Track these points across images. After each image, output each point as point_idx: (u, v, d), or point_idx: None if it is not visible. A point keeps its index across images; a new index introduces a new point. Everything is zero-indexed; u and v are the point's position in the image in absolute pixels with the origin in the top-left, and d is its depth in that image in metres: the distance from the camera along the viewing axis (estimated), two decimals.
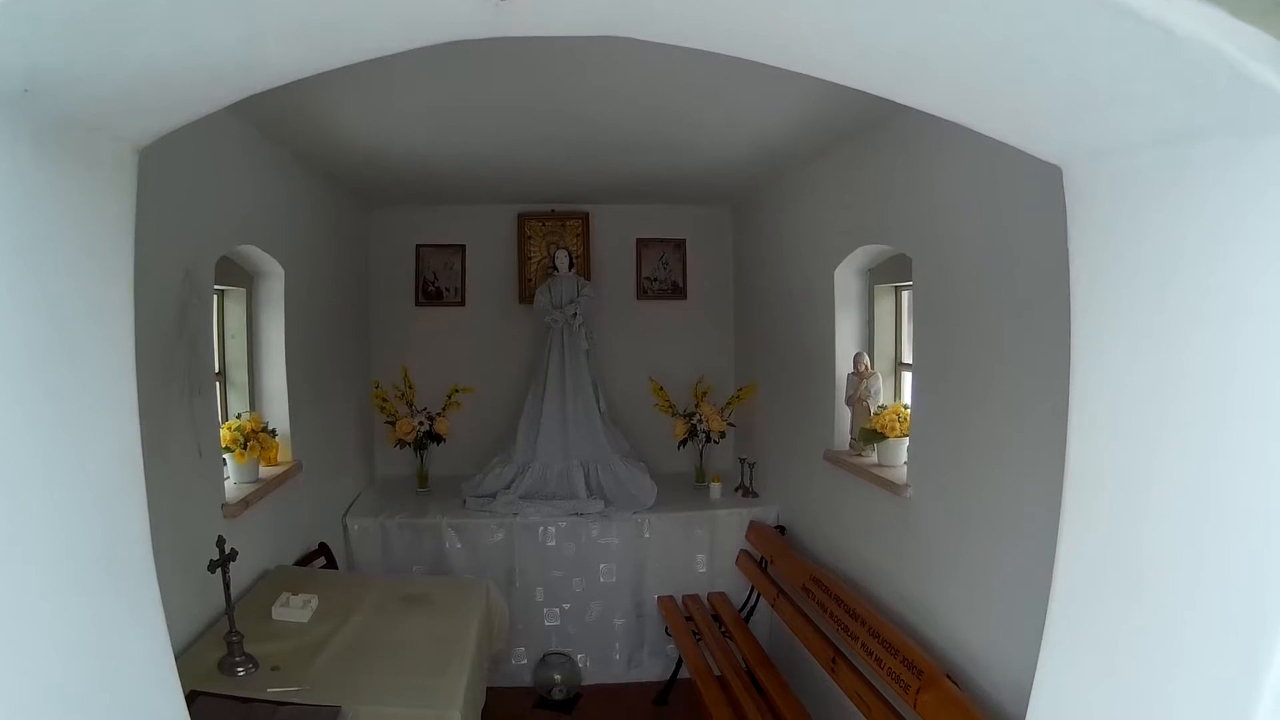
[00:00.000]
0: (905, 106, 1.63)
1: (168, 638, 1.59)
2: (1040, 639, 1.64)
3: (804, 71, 1.53)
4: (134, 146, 1.53)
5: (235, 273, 4.68)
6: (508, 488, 6.40)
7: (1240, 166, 1.20)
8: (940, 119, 1.64)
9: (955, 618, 3.70)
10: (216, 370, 4.44)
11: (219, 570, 3.35)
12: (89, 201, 1.42)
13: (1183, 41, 1.07)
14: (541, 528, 6.09)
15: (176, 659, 3.23)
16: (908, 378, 4.91)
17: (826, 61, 1.50)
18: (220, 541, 3.35)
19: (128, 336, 1.51)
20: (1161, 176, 1.33)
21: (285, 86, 1.52)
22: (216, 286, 4.25)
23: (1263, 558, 1.16)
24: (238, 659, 3.35)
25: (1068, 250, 1.59)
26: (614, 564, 6.19)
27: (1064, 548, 1.55)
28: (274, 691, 3.18)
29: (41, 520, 1.29)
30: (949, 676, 3.44)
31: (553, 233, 7.25)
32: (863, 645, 4.02)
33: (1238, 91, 1.12)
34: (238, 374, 4.89)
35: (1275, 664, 1.14)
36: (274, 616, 3.86)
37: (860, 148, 4.61)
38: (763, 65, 1.51)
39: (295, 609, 3.90)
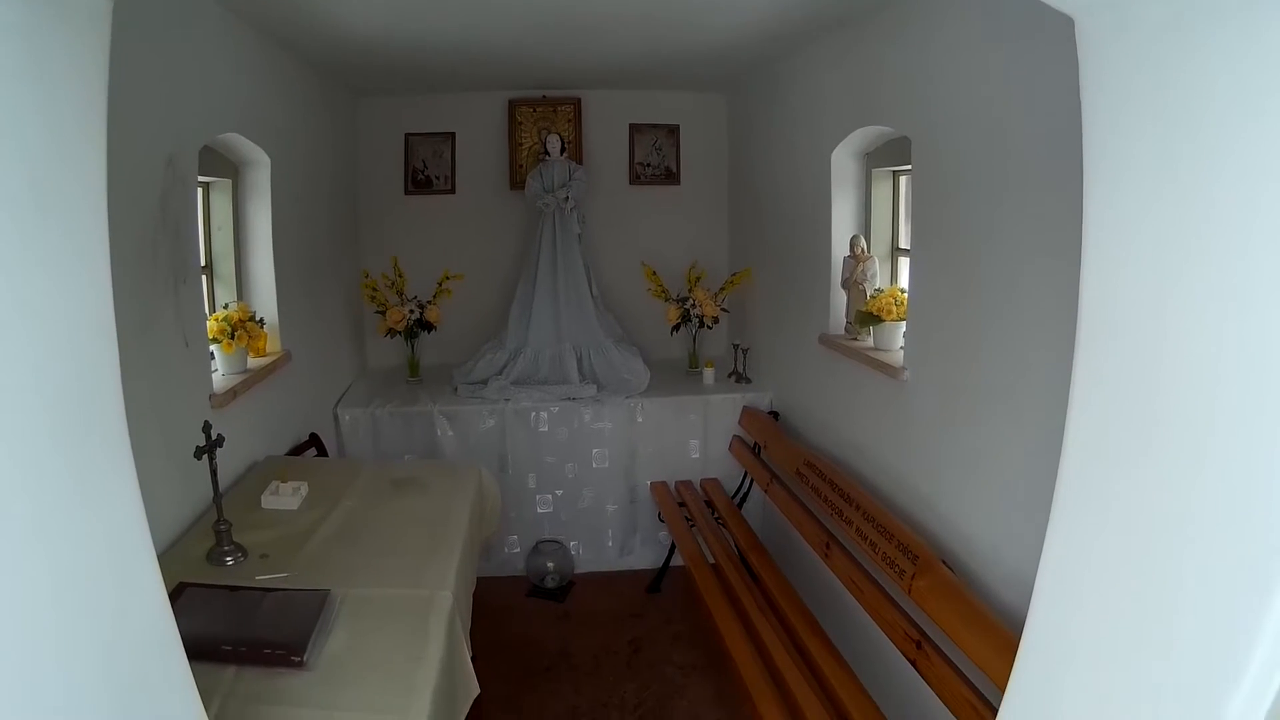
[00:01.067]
0: None
1: (143, 515, 1.52)
2: (1038, 524, 1.59)
3: None
4: None
5: (220, 164, 4.57)
6: (499, 374, 6.35)
7: (1273, 10, 1.11)
8: None
9: (952, 503, 3.67)
10: (203, 264, 4.37)
11: (206, 458, 3.29)
12: (60, 49, 1.32)
13: None
14: (533, 413, 6.06)
15: (165, 552, 3.24)
16: (904, 264, 4.83)
17: None
18: (206, 427, 3.29)
19: (99, 182, 1.42)
20: (1185, 24, 1.23)
21: None
22: (201, 178, 4.15)
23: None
24: (226, 548, 3.31)
25: (1080, 104, 1.49)
26: (606, 449, 6.18)
27: (1075, 406, 1.48)
28: (262, 578, 3.15)
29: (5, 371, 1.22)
30: (945, 562, 3.43)
31: (544, 119, 7.08)
32: (857, 530, 4.01)
33: None
34: (224, 266, 4.80)
35: None
36: (263, 505, 3.82)
37: (859, 29, 4.47)
38: None
39: (285, 497, 3.85)
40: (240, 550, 3.34)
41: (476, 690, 3.11)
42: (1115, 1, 1.37)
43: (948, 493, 3.71)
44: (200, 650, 2.32)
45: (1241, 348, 1.15)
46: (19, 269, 1.24)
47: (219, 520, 3.30)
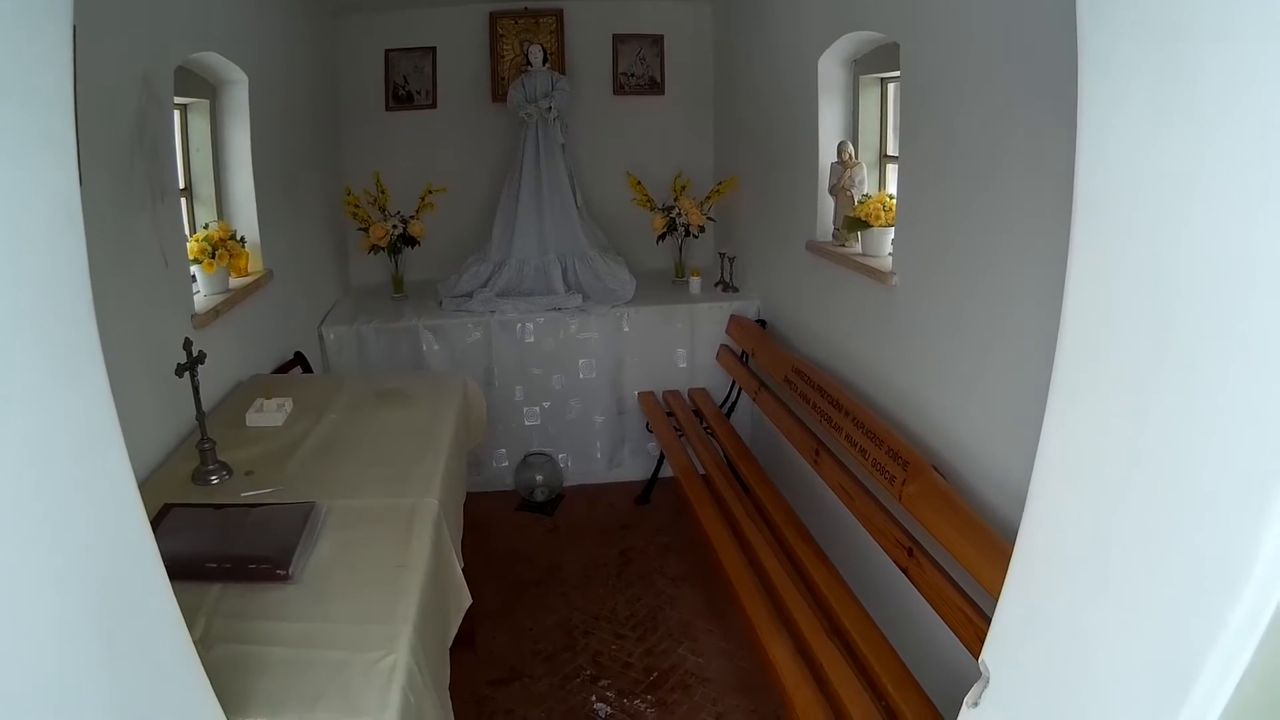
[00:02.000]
0: None
1: (119, 434, 1.48)
2: (1030, 429, 1.55)
3: None
4: None
5: (197, 85, 4.48)
6: (484, 286, 6.29)
7: None
8: None
9: (942, 409, 3.65)
10: (182, 186, 4.30)
11: (188, 376, 3.24)
12: None
13: None
14: (519, 324, 6.02)
15: (150, 476, 3.21)
16: (891, 172, 4.78)
17: None
18: (187, 344, 3.24)
19: (64, 66, 1.35)
20: None
21: None
22: (178, 100, 4.08)
23: None
24: (210, 467, 3.27)
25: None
26: (593, 359, 6.16)
27: (1071, 292, 1.44)
28: (247, 495, 3.13)
29: None
30: (935, 468, 3.41)
31: (526, 31, 6.93)
32: (846, 436, 3.99)
33: None
34: (204, 189, 4.73)
35: None
36: (248, 423, 3.78)
37: None
38: None
39: (269, 413, 3.82)
40: (225, 468, 3.30)
41: (469, 600, 3.11)
42: None
43: (938, 398, 3.69)
44: (185, 570, 2.29)
45: (1252, 225, 1.11)
46: None
47: (203, 439, 3.26)
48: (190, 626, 1.63)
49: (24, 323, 1.23)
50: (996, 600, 1.56)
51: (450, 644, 2.94)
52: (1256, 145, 1.05)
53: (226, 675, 2.08)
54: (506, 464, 6.23)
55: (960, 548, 2.98)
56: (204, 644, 2.20)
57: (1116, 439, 1.30)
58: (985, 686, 1.53)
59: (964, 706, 1.56)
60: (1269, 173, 1.04)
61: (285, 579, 2.56)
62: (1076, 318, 1.40)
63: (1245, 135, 1.07)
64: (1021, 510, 1.50)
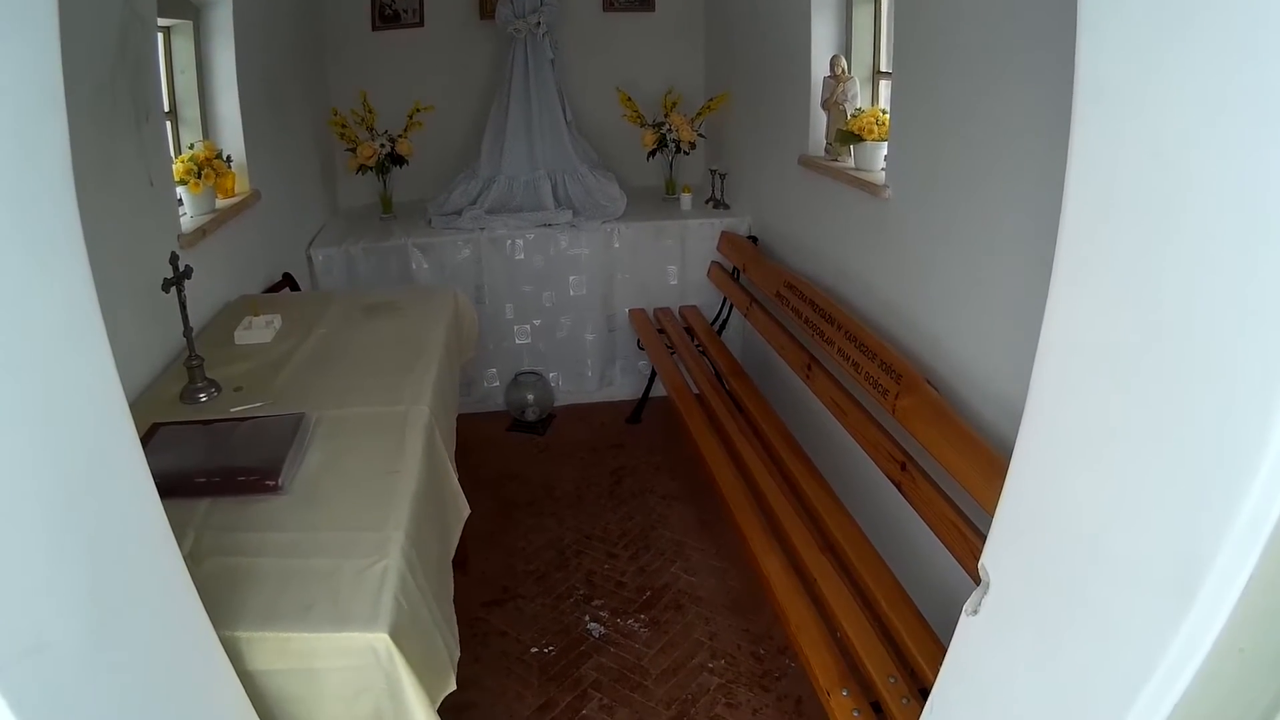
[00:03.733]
0: None
1: (106, 342, 1.44)
2: (1024, 343, 1.52)
3: None
4: None
5: (180, 5, 4.40)
6: (473, 203, 6.25)
7: None
8: None
9: (936, 322, 3.63)
10: (167, 109, 4.24)
11: (175, 291, 3.21)
12: None
13: None
14: (509, 241, 5.99)
15: (139, 397, 3.18)
16: (884, 87, 4.73)
17: None
18: (173, 258, 3.19)
19: None
20: None
21: None
22: (161, 21, 3.99)
23: None
24: (199, 385, 3.25)
25: None
26: (584, 276, 6.13)
27: (1071, 185, 1.41)
28: (236, 410, 3.11)
29: None
30: (929, 382, 3.39)
31: None
32: (839, 350, 3.97)
33: None
34: (189, 111, 4.66)
35: None
36: (236, 341, 3.75)
37: None
38: None
39: (258, 330, 3.79)
40: (214, 385, 3.28)
41: (467, 511, 3.12)
42: None
43: (931, 312, 3.67)
44: (174, 486, 2.28)
45: (1248, 141, 1.07)
46: None
47: (190, 356, 3.23)
48: (179, 542, 1.61)
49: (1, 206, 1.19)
50: (991, 515, 1.54)
51: (452, 556, 2.95)
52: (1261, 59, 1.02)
53: (216, 588, 2.07)
54: (497, 384, 6.24)
55: (954, 461, 2.97)
56: (193, 559, 2.19)
57: (1119, 330, 1.28)
58: (986, 593, 1.51)
59: (963, 614, 1.55)
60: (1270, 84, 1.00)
61: (275, 489, 2.55)
62: (1078, 199, 1.37)
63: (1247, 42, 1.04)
64: (1016, 424, 1.48)
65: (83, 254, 1.36)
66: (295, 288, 5.26)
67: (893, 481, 3.39)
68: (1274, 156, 1.00)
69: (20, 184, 1.23)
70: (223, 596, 2.06)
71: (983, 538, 1.56)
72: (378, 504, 2.50)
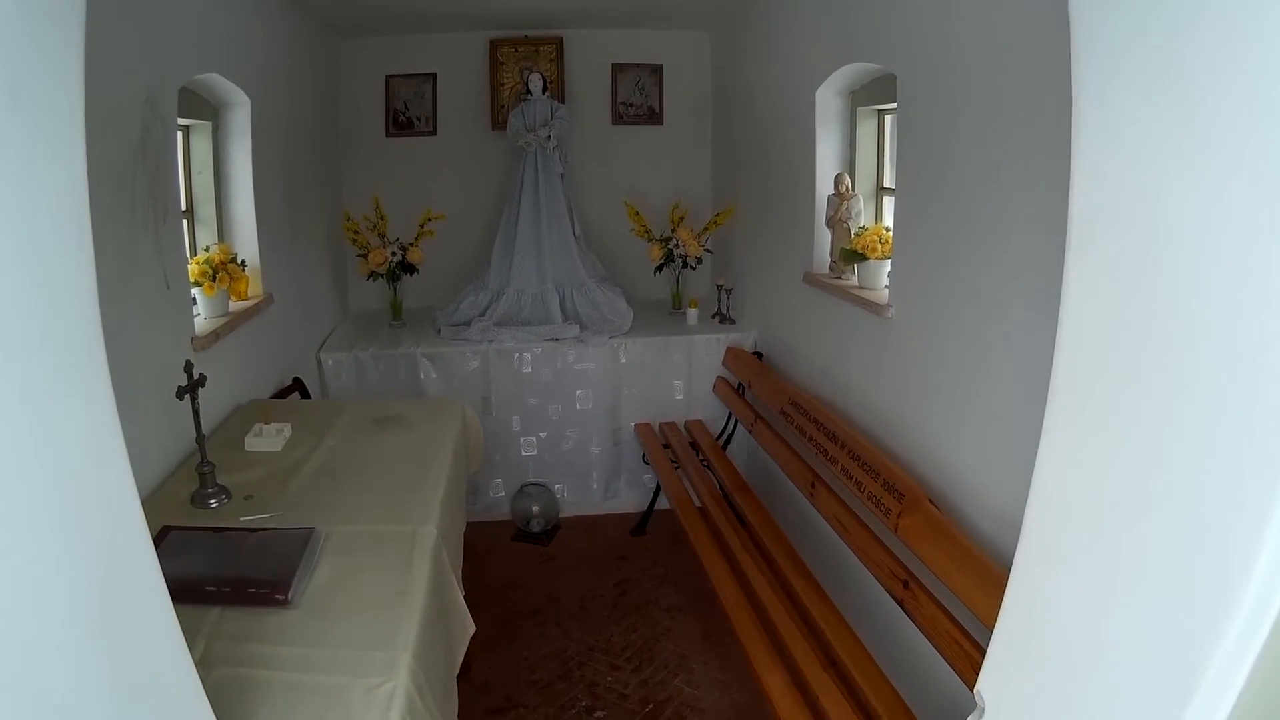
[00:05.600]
0: None
1: (124, 451, 1.49)
2: (1025, 460, 1.57)
3: None
4: None
5: (200, 106, 4.52)
6: (482, 314, 6.32)
7: None
8: None
9: (938, 441, 3.67)
10: (184, 208, 4.32)
11: (188, 398, 3.26)
12: None
13: None
14: (517, 354, 6.04)
15: (150, 496, 3.22)
16: (888, 203, 4.82)
17: None
18: (188, 367, 3.26)
19: (77, 81, 1.37)
20: None
21: None
22: (181, 121, 4.10)
23: None
24: (210, 490, 3.29)
25: (1070, 29, 1.47)
26: (590, 390, 6.17)
27: (1065, 320, 1.47)
28: (246, 519, 3.14)
29: None
30: (931, 501, 3.42)
31: (526, 58, 7.00)
32: (842, 469, 4.01)
33: None
34: (205, 210, 4.76)
35: None
36: (247, 447, 3.80)
37: None
38: None
39: (268, 438, 3.84)
40: (224, 492, 3.32)
41: (472, 628, 3.12)
42: None
43: (934, 430, 3.71)
44: (184, 592, 2.30)
45: (1237, 265, 1.13)
46: None
47: (202, 462, 3.28)
48: (190, 648, 1.64)
49: (31, 334, 1.25)
50: (992, 630, 1.57)
51: (456, 673, 2.96)
52: (1253, 194, 1.08)
53: (226, 698, 2.09)
54: (503, 493, 6.23)
55: (956, 579, 2.99)
56: (204, 666, 2.21)
57: (1111, 467, 1.32)
58: (980, 717, 1.54)
59: None
60: (1261, 220, 1.06)
61: (285, 603, 2.57)
62: (1072, 344, 1.42)
63: (1241, 174, 1.10)
64: (1016, 539, 1.52)
65: (105, 376, 1.42)
66: (305, 393, 5.31)
67: (895, 599, 3.40)
68: (1268, 286, 1.06)
69: (47, 309, 1.29)
70: (232, 706, 2.08)
71: (985, 653, 1.59)
72: (386, 623, 2.52)
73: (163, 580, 1.57)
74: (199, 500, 3.26)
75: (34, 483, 1.25)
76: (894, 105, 4.11)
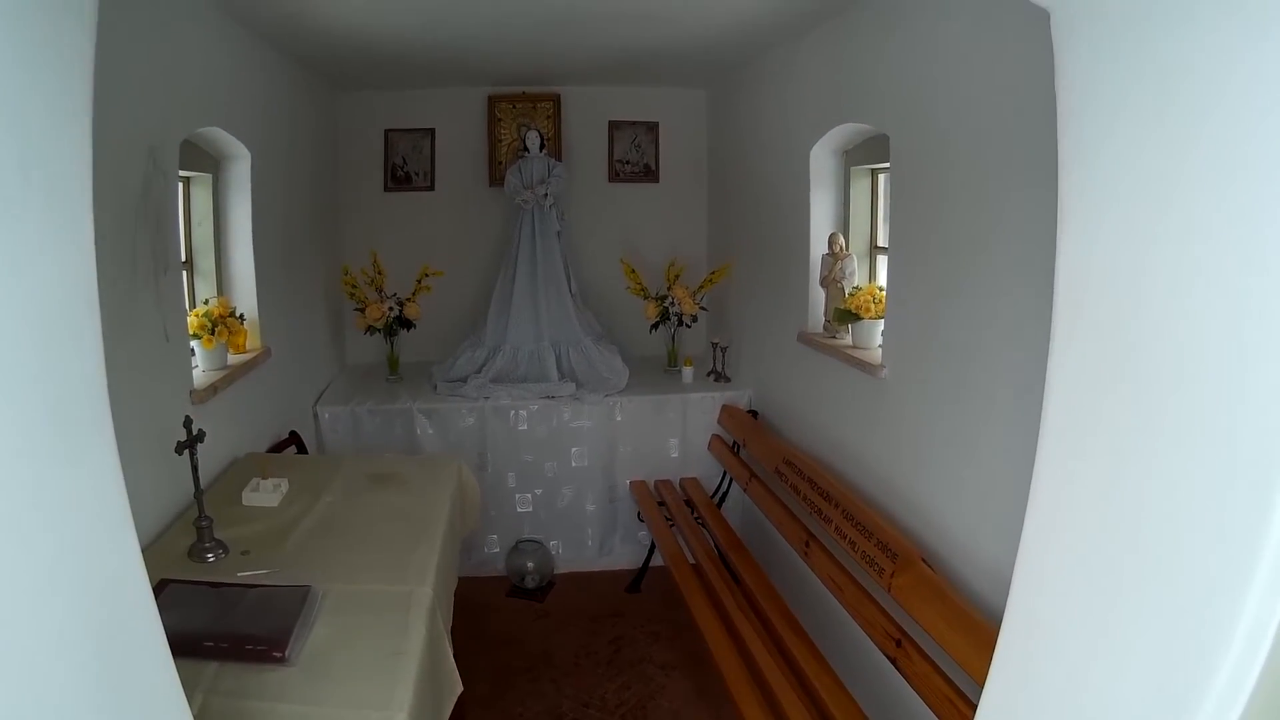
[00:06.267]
0: None
1: (126, 502, 1.53)
2: (1016, 519, 1.61)
3: None
4: None
5: (201, 158, 4.57)
6: (478, 371, 6.36)
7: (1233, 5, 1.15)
8: None
9: (931, 500, 3.70)
10: (184, 259, 4.35)
11: (187, 453, 3.29)
12: (49, 22, 1.33)
13: None
14: (513, 411, 6.07)
15: (147, 548, 3.23)
16: (882, 262, 4.86)
17: None
18: (187, 422, 3.29)
19: (85, 162, 1.42)
20: (1153, 14, 1.27)
21: None
22: (182, 173, 4.14)
23: (1264, 389, 1.12)
24: (207, 544, 3.31)
25: (1055, 101, 1.53)
26: (586, 448, 6.19)
27: (1052, 389, 1.51)
28: (244, 575, 3.15)
29: None
30: (924, 560, 3.44)
31: (523, 114, 7.10)
32: (836, 528, 4.03)
33: None
34: (205, 261, 4.80)
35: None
36: (244, 502, 3.82)
37: (840, 25, 4.50)
38: None
39: (265, 493, 3.86)
40: (222, 546, 3.34)
41: (460, 688, 3.12)
42: None
43: (927, 489, 3.74)
44: (182, 646, 2.31)
45: (1217, 324, 1.18)
46: (4, 234, 1.24)
47: (200, 516, 3.31)
48: (188, 702, 1.67)
49: (41, 402, 1.29)
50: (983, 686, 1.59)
51: None
52: (1234, 254, 1.13)
53: None
54: (498, 549, 6.23)
55: (949, 638, 3.01)
56: None
57: (1095, 531, 1.36)
58: None
59: None
60: (1243, 285, 1.11)
61: (283, 661, 2.58)
62: (1059, 406, 1.46)
63: (1225, 239, 1.15)
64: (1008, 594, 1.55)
65: (113, 445, 1.46)
66: (301, 446, 5.34)
67: (889, 657, 3.41)
68: (1244, 346, 1.10)
69: (56, 378, 1.33)
70: None
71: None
72: (383, 684, 2.53)
73: (164, 635, 1.60)
74: (196, 554, 3.28)
75: (42, 544, 1.29)
76: (888, 165, 4.18)
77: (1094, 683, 1.36)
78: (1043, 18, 1.53)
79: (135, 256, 3.42)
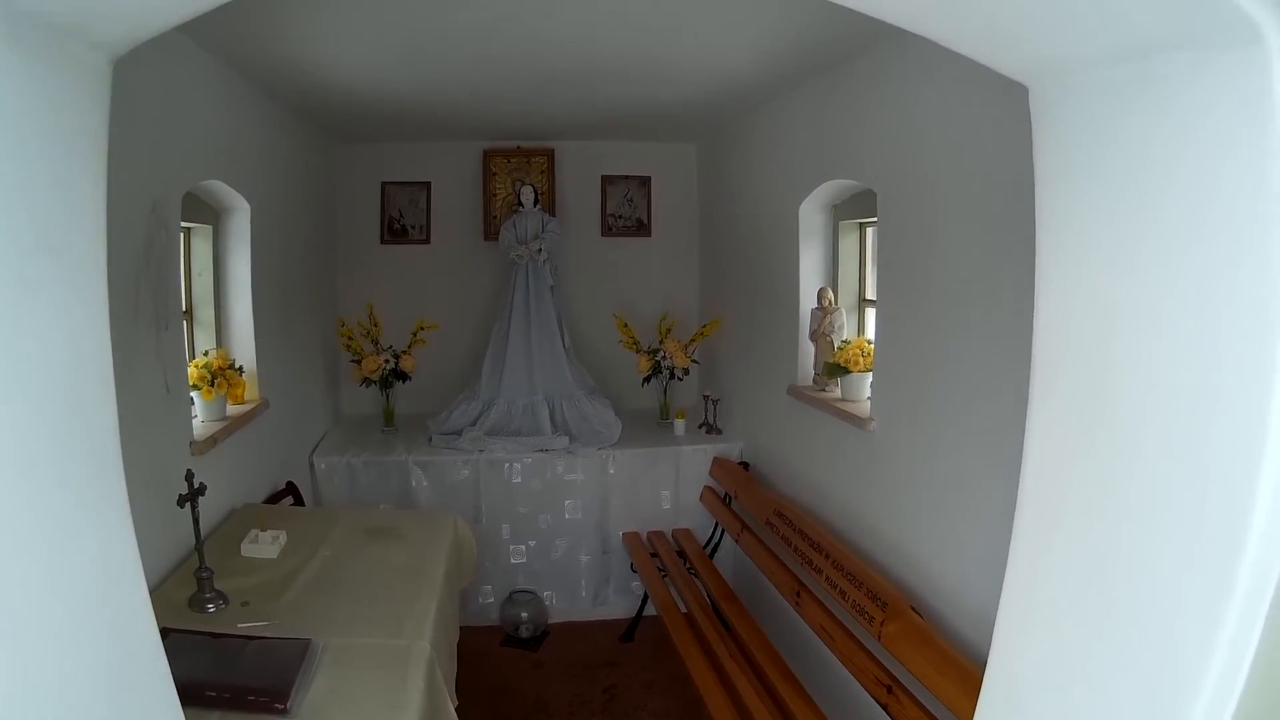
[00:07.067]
0: (871, 42, 1.65)
1: (137, 554, 1.60)
2: (1001, 566, 1.68)
3: None
4: (109, 56, 1.52)
5: (201, 209, 4.64)
6: (473, 424, 6.42)
7: (1203, 78, 1.24)
8: (909, 52, 1.67)
9: (919, 549, 3.76)
10: (184, 309, 4.40)
11: (188, 505, 3.34)
12: (67, 104, 1.41)
13: None
14: (507, 464, 6.12)
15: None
16: (870, 314, 4.95)
17: None
18: (189, 476, 3.34)
19: (98, 229, 1.50)
20: (1128, 90, 1.38)
21: (254, 17, 1.53)
22: (183, 224, 4.21)
23: (1227, 438, 1.21)
24: (208, 595, 3.36)
25: (1033, 168, 1.62)
26: (579, 500, 6.24)
27: (1031, 441, 1.58)
28: (244, 626, 3.20)
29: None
30: (913, 608, 3.50)
31: (518, 169, 7.22)
32: (826, 578, 4.08)
33: (1202, 5, 1.16)
34: (204, 311, 4.86)
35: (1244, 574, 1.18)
36: (243, 553, 3.87)
37: (827, 84, 4.61)
38: None
39: (264, 545, 3.91)
40: (221, 597, 3.39)
41: None
42: (1062, 71, 1.50)
43: (915, 539, 3.80)
44: (184, 695, 2.35)
45: (1186, 372, 1.26)
46: (21, 306, 1.31)
47: (201, 567, 3.36)
48: None
49: (57, 465, 1.36)
50: None
51: None
52: (1195, 331, 1.22)
53: None
54: (492, 600, 6.25)
55: (938, 683, 3.06)
56: None
57: (1073, 582, 1.43)
58: None
59: None
60: (1202, 340, 1.19)
61: (284, 712, 2.63)
62: (1037, 459, 1.54)
63: (1186, 314, 1.24)
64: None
65: (125, 506, 1.53)
66: (298, 497, 5.38)
67: (880, 704, 3.46)
68: (1213, 412, 1.18)
69: (71, 442, 1.41)
70: None
71: None
72: None
73: (172, 682, 1.66)
74: (197, 604, 3.33)
75: (61, 596, 1.35)
76: (875, 219, 4.28)
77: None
78: (1021, 87, 1.63)
79: (137, 309, 3.46)
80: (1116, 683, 1.36)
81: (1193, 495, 1.26)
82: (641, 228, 7.55)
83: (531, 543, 6.27)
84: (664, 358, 6.67)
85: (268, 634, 3.13)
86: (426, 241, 7.35)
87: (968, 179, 3.34)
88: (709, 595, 5.33)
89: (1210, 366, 1.23)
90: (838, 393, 4.85)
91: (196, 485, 3.37)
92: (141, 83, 3.39)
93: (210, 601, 3.35)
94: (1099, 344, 1.43)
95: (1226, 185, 1.20)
